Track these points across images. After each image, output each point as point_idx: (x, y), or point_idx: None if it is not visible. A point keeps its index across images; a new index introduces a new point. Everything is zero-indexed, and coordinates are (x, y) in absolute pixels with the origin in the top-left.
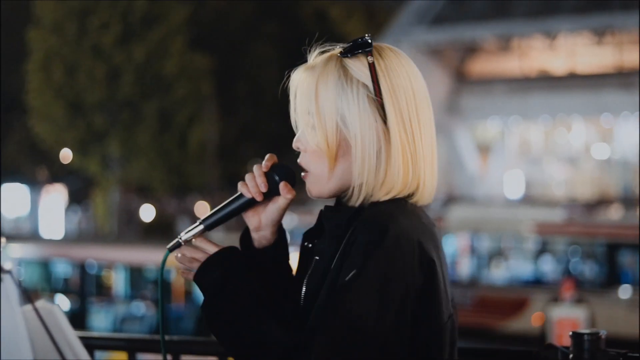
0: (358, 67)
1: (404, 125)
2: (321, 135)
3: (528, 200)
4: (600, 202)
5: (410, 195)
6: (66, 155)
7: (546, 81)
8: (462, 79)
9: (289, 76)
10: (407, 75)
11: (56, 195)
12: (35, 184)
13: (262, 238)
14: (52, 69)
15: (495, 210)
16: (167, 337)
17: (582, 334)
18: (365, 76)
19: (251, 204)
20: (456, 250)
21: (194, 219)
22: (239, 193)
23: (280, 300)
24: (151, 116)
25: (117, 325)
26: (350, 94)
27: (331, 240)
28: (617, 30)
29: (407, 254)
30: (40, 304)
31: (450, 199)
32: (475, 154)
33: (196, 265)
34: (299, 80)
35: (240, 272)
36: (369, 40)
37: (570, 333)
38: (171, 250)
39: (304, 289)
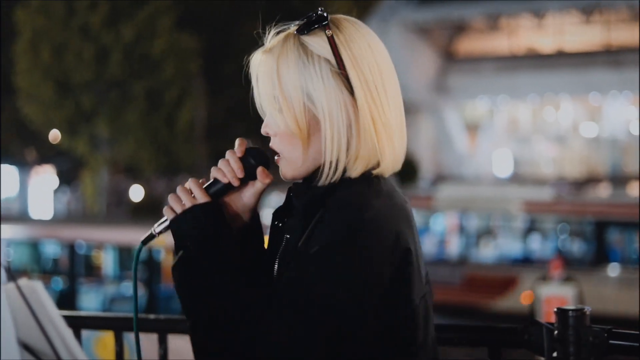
0: (317, 42)
1: (372, 95)
2: (290, 118)
3: (516, 178)
4: (589, 180)
5: (378, 165)
6: (55, 136)
7: (534, 60)
8: (450, 58)
9: (248, 63)
10: (368, 45)
11: (45, 176)
12: (24, 165)
13: (238, 223)
14: (40, 50)
15: (484, 188)
16: (153, 316)
17: (567, 310)
18: (325, 51)
19: (227, 190)
20: (445, 229)
21: None
22: (212, 179)
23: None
24: (139, 96)
25: (106, 306)
26: (313, 71)
27: (301, 218)
28: (604, 9)
29: (382, 242)
30: (23, 282)
31: (439, 178)
32: (463, 133)
33: (178, 209)
34: (259, 64)
35: (226, 230)
36: (324, 14)
37: (555, 309)
38: (145, 243)
39: (275, 267)
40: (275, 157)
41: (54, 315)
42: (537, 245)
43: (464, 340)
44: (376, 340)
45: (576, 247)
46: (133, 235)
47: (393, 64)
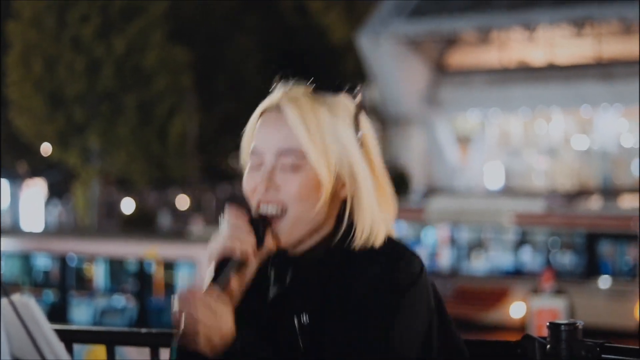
0: (342, 103)
1: (381, 164)
2: (320, 170)
3: (508, 191)
4: (580, 193)
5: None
6: (46, 148)
7: (525, 73)
8: (441, 71)
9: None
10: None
11: (36, 189)
12: (15, 178)
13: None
14: (32, 62)
15: (475, 201)
16: (145, 330)
17: (559, 325)
18: (349, 113)
19: (244, 264)
20: (436, 241)
21: (174, 211)
22: (227, 259)
23: None
24: (131, 109)
25: (97, 318)
26: (342, 128)
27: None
28: (595, 22)
29: (426, 291)
30: (16, 297)
31: (430, 191)
32: (455, 145)
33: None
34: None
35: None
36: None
37: (548, 324)
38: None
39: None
40: (273, 219)
41: (47, 331)
42: (528, 257)
43: None
44: None
45: (567, 259)
46: (124, 248)
47: (385, 76)
